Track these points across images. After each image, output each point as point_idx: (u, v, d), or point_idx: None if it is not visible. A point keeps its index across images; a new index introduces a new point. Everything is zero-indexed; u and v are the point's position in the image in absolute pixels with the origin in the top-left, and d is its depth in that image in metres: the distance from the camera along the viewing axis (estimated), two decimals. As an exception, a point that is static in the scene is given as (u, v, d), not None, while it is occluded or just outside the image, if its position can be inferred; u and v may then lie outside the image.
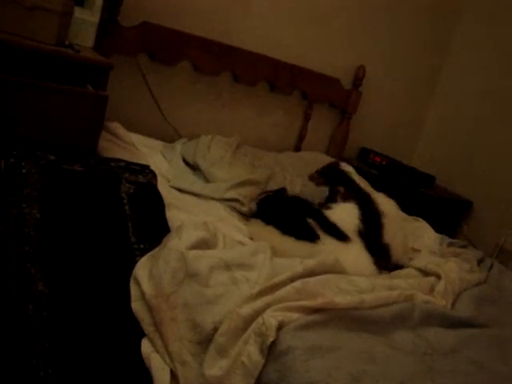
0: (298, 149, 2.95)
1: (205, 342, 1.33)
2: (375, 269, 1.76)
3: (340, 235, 1.79)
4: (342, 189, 2.05)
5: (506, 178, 2.92)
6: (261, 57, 2.60)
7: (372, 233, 1.87)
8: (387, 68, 3.12)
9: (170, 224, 1.71)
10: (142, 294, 1.45)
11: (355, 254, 1.76)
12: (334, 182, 2.10)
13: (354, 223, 1.84)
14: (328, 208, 1.90)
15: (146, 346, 1.42)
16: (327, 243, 1.75)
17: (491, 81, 3.07)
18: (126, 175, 1.72)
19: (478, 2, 3.18)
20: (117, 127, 2.17)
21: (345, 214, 1.87)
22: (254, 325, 1.27)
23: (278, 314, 1.29)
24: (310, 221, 1.79)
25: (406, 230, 2.18)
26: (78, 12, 1.96)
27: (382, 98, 3.17)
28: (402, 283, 1.61)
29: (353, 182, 2.09)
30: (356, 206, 1.90)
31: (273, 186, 2.20)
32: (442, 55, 3.30)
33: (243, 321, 1.29)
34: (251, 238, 1.82)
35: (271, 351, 1.23)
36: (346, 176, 2.12)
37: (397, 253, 1.94)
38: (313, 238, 1.75)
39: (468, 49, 3.21)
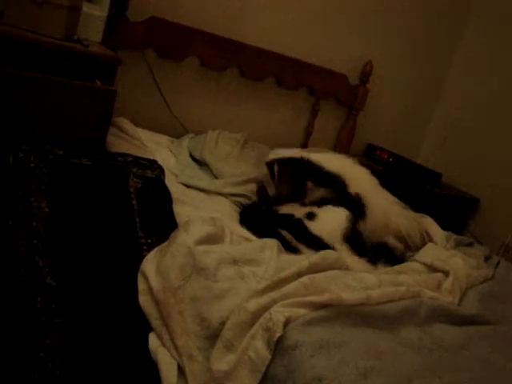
0: (304, 145, 2.94)
1: (212, 336, 1.34)
2: (370, 267, 1.72)
3: (322, 247, 1.66)
4: (310, 184, 1.89)
5: (514, 176, 2.92)
6: (268, 52, 2.59)
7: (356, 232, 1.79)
8: (394, 64, 3.11)
9: (177, 219, 1.71)
10: (150, 289, 1.46)
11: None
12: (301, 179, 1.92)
13: (340, 229, 1.75)
14: (311, 217, 1.77)
15: (153, 340, 1.42)
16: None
17: (499, 78, 3.05)
18: (134, 170, 1.73)
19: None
20: (124, 122, 2.18)
21: (330, 222, 1.76)
22: (261, 320, 1.27)
23: (286, 309, 1.29)
24: (285, 233, 1.71)
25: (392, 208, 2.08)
26: (87, 7, 1.97)
27: (389, 95, 3.16)
28: (408, 279, 1.61)
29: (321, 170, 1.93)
30: (343, 210, 1.79)
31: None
32: (451, 51, 3.28)
33: (250, 316, 1.29)
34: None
35: (278, 347, 1.24)
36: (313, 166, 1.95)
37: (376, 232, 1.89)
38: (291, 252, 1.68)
39: (477, 46, 3.20)
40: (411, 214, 2.09)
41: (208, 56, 2.44)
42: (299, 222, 1.75)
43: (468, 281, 1.74)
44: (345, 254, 1.70)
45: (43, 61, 1.78)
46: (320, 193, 1.88)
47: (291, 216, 1.79)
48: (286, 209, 1.85)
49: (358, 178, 1.99)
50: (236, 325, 1.29)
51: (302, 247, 1.70)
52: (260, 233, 1.75)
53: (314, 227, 1.74)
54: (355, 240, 1.76)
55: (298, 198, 1.87)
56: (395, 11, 2.96)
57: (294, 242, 1.70)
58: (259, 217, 1.88)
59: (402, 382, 1.18)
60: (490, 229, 2.96)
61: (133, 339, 1.44)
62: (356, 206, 1.85)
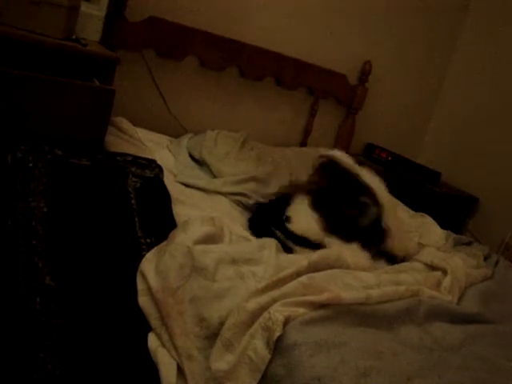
0: (303, 144, 2.95)
1: (211, 336, 1.34)
2: (363, 251, 1.70)
3: (311, 245, 1.70)
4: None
5: (513, 175, 2.92)
6: (267, 52, 2.59)
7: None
8: (394, 63, 3.11)
9: (176, 219, 1.71)
10: (149, 289, 1.46)
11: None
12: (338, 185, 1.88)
13: (317, 225, 1.73)
14: (287, 220, 1.75)
15: (152, 341, 1.42)
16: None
17: (499, 77, 3.05)
18: (133, 169, 1.73)
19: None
20: (123, 122, 2.18)
21: (304, 223, 1.75)
22: (260, 319, 1.27)
23: (285, 309, 1.29)
24: (278, 233, 1.72)
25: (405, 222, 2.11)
26: (85, 6, 1.97)
27: (388, 94, 3.16)
28: (408, 278, 1.61)
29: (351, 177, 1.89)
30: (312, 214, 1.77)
31: (278, 181, 2.19)
32: (450, 50, 3.28)
33: (250, 315, 1.29)
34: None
35: (277, 346, 1.24)
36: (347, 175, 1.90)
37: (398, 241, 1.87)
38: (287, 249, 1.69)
39: (476, 44, 3.20)
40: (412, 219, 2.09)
41: (207, 56, 2.44)
42: (282, 223, 1.75)
43: (467, 280, 1.74)
44: (336, 244, 1.69)
45: (42, 60, 1.77)
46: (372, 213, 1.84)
47: (281, 215, 1.78)
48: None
49: (393, 208, 1.95)
50: (235, 324, 1.29)
51: (292, 245, 1.70)
52: (259, 232, 1.77)
53: (294, 229, 1.73)
54: (341, 229, 1.74)
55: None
56: (394, 11, 2.96)
57: (285, 241, 1.71)
58: (259, 217, 1.89)
59: (402, 381, 1.17)
60: (490, 228, 2.96)
61: (132, 339, 1.44)
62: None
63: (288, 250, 1.69)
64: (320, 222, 1.73)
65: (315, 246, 1.69)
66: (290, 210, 1.79)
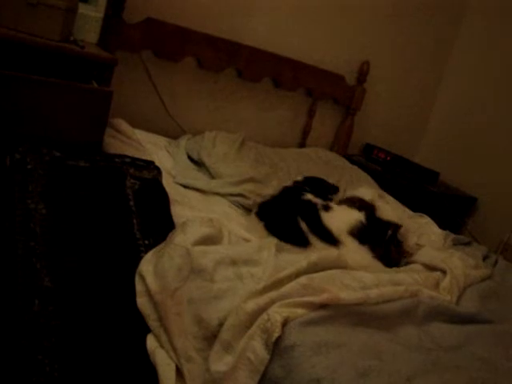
0: (302, 145, 2.94)
1: (210, 337, 1.33)
2: (377, 264, 1.75)
3: (330, 239, 1.74)
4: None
5: (511, 175, 2.91)
6: (265, 53, 2.59)
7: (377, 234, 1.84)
8: (392, 64, 3.11)
9: (174, 220, 1.71)
10: (147, 290, 1.46)
11: (349, 256, 1.69)
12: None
13: (348, 225, 1.79)
14: (327, 209, 1.84)
15: (151, 342, 1.42)
16: (318, 249, 1.69)
17: (497, 76, 3.06)
18: (131, 171, 1.73)
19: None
20: (121, 123, 2.17)
21: (340, 217, 1.82)
22: (259, 320, 1.27)
23: (284, 309, 1.29)
24: (303, 224, 1.75)
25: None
26: (83, 8, 1.97)
27: (386, 94, 3.17)
28: (407, 278, 1.61)
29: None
30: (357, 211, 1.87)
31: (276, 183, 2.19)
32: (447, 50, 3.29)
33: (248, 316, 1.29)
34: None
35: (276, 347, 1.23)
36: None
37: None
38: (304, 243, 1.72)
39: (473, 44, 3.20)
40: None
41: (205, 57, 2.44)
42: (316, 211, 1.81)
43: (466, 280, 1.74)
44: (348, 242, 1.75)
45: (39, 63, 1.77)
46: None
47: (314, 205, 1.84)
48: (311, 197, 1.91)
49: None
50: (234, 326, 1.28)
51: (314, 240, 1.72)
52: (280, 223, 1.78)
53: (326, 218, 1.79)
54: (361, 236, 1.80)
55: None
56: (392, 11, 2.96)
57: (309, 236, 1.73)
58: (283, 205, 1.90)
59: (401, 381, 1.17)
60: (488, 228, 2.96)
61: (131, 341, 1.43)
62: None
63: (303, 245, 1.70)
64: (355, 221, 1.81)
65: (334, 242, 1.73)
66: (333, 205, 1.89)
